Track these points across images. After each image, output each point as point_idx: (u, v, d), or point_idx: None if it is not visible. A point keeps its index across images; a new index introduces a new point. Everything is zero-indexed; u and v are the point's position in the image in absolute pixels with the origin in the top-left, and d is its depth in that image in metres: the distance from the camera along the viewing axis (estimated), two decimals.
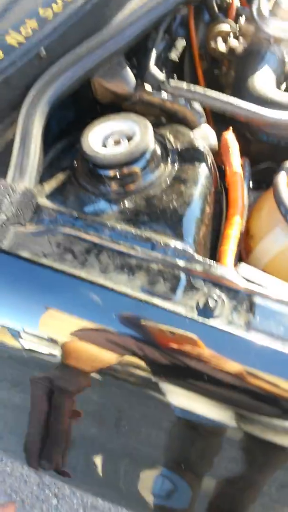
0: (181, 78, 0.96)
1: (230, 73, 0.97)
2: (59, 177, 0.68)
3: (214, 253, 0.67)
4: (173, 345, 0.51)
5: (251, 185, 0.78)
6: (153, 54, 0.74)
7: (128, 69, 0.71)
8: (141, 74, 0.73)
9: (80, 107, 0.75)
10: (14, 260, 0.54)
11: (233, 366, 0.51)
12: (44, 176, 0.67)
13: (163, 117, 0.76)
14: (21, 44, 0.64)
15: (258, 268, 0.69)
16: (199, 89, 0.69)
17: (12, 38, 0.64)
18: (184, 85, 0.69)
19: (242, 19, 0.90)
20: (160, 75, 0.71)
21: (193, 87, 0.69)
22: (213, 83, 1.01)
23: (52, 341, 0.55)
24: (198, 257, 0.57)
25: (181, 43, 0.88)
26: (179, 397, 0.54)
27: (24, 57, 0.64)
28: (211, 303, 0.52)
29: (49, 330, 0.55)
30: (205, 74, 1.00)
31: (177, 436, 0.65)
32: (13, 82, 0.64)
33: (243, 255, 0.72)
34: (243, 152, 0.74)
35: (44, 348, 0.56)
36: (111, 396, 0.63)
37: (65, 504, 1.54)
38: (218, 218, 0.70)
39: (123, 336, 0.53)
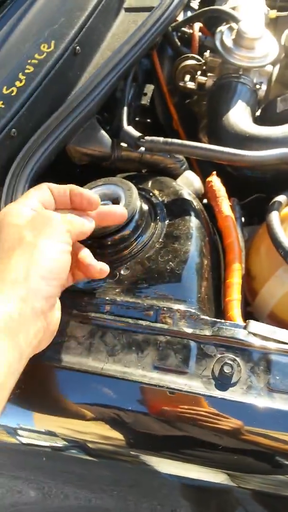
0: (154, 116, 0.97)
1: (201, 103, 0.96)
2: None
3: (218, 301, 0.66)
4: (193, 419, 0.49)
5: (243, 221, 0.77)
6: (125, 111, 0.73)
7: (101, 130, 0.70)
8: (116, 131, 0.72)
9: (59, 175, 0.73)
10: None
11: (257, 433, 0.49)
12: None
13: (143, 170, 0.75)
14: None
15: (266, 311, 0.68)
16: (176, 141, 0.68)
17: None
18: (160, 139, 0.68)
19: (207, 53, 0.89)
20: (135, 132, 0.70)
21: (169, 140, 0.68)
22: (187, 114, 1.01)
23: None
24: (204, 317, 0.55)
25: (149, 88, 0.87)
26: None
27: None
28: (226, 370, 0.50)
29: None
30: (177, 106, 1.00)
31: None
32: None
33: (249, 298, 0.70)
34: (231, 189, 0.73)
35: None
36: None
37: None
38: (217, 265, 0.69)
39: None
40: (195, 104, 1.00)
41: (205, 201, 0.76)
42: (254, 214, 0.80)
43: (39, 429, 0.55)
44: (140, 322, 0.54)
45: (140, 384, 0.50)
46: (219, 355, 0.52)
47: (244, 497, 0.58)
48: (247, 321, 0.54)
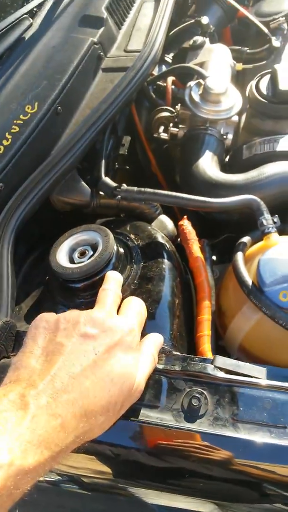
0: (134, 162, 1.04)
1: (177, 148, 1.04)
2: (34, 294, 0.72)
3: (190, 337, 0.71)
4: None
5: (214, 259, 0.83)
6: (103, 164, 0.80)
7: (81, 181, 0.77)
8: (95, 181, 0.79)
9: (42, 223, 0.80)
10: None
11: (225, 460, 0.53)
12: (19, 293, 0.70)
13: (122, 214, 0.82)
14: None
15: (236, 344, 0.73)
16: (148, 190, 0.74)
17: None
18: (134, 188, 0.75)
19: (178, 106, 0.97)
20: (111, 183, 0.77)
21: (142, 189, 0.74)
22: (165, 158, 1.08)
23: None
24: (176, 353, 0.60)
25: (127, 139, 0.94)
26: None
27: None
28: (194, 403, 0.55)
29: None
30: (155, 151, 1.07)
31: None
32: None
33: (220, 331, 0.75)
34: (202, 230, 0.80)
35: None
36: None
37: None
38: (189, 303, 0.75)
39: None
40: (171, 149, 1.07)
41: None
42: (225, 253, 0.86)
43: None
44: None
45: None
46: (188, 389, 0.57)
47: None
48: (214, 356, 0.60)
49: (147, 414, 0.55)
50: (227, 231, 0.86)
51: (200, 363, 0.59)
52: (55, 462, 0.42)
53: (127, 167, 0.96)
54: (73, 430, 0.43)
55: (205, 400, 0.56)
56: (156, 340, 0.59)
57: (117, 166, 0.95)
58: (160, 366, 0.58)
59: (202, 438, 0.53)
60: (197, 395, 0.56)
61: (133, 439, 0.56)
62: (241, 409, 0.55)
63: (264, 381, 0.57)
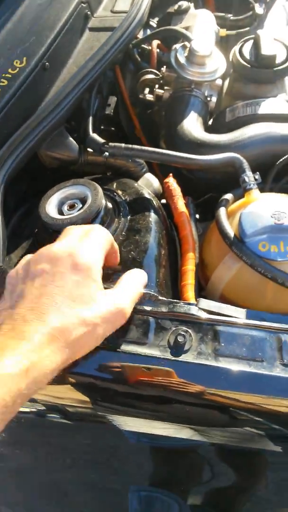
0: (118, 125, 1.05)
1: (161, 113, 1.06)
2: (23, 246, 0.74)
3: (175, 288, 0.75)
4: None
5: (198, 217, 0.87)
6: (90, 120, 0.81)
7: (69, 137, 0.78)
8: (82, 138, 0.80)
9: (31, 177, 0.81)
10: None
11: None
12: (8, 245, 0.72)
13: (108, 172, 0.84)
14: None
15: (217, 293, 0.77)
16: (136, 146, 0.77)
17: None
18: (122, 145, 0.77)
19: (164, 68, 0.99)
20: (100, 139, 0.79)
21: (130, 146, 0.77)
22: (148, 123, 1.10)
23: None
24: (162, 298, 0.64)
25: (112, 99, 0.96)
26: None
27: None
28: (180, 339, 0.59)
29: None
30: (139, 116, 1.09)
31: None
32: None
33: (203, 283, 0.80)
34: (186, 190, 0.83)
35: None
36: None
37: None
38: (174, 255, 0.78)
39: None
40: (155, 114, 1.09)
41: (163, 201, 0.86)
42: (208, 212, 0.90)
43: None
44: None
45: (104, 350, 0.58)
46: (174, 328, 0.61)
47: (209, 455, 0.67)
48: (198, 299, 0.64)
49: (135, 350, 0.59)
50: (210, 192, 0.90)
51: (185, 306, 0.62)
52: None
53: (113, 128, 0.98)
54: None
55: (189, 337, 0.60)
56: (139, 273, 0.63)
57: (102, 127, 0.97)
58: (148, 308, 0.62)
59: (186, 368, 0.57)
60: (182, 333, 0.60)
61: (117, 372, 0.59)
62: (223, 345, 0.59)
63: (244, 320, 0.61)
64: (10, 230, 0.77)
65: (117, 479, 0.78)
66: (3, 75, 0.74)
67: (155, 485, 0.73)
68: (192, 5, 1.18)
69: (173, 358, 0.57)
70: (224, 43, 1.17)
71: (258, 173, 0.76)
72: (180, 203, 0.78)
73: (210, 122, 0.98)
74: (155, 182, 0.83)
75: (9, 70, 0.74)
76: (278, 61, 0.96)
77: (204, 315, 0.61)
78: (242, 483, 0.68)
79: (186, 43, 0.97)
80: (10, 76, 0.73)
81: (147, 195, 0.77)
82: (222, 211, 0.74)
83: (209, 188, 0.88)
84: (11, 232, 0.76)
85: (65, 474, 0.80)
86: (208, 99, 0.95)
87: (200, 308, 0.62)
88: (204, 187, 0.88)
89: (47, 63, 0.78)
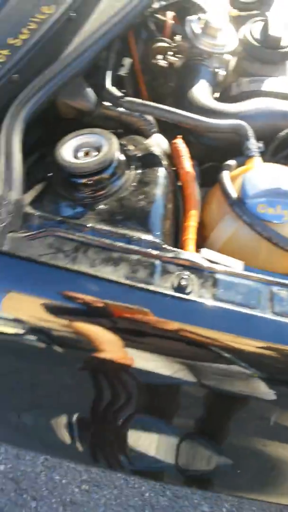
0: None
1: (168, 84, 1.10)
2: (38, 187, 0.77)
3: (176, 242, 0.79)
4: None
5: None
6: (108, 74, 0.84)
7: (88, 88, 0.81)
8: (99, 92, 0.83)
9: (46, 124, 0.84)
10: (15, 261, 0.63)
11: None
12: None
13: (119, 129, 0.88)
14: None
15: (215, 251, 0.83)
16: (151, 103, 0.81)
17: None
18: (138, 100, 0.81)
19: (178, 37, 1.02)
20: (117, 92, 0.82)
21: (145, 102, 0.80)
22: (153, 93, 1.13)
23: None
24: (166, 246, 0.69)
25: (127, 60, 0.99)
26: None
27: None
28: (182, 282, 0.64)
29: None
30: (146, 84, 1.12)
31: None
32: None
33: (199, 242, 0.85)
34: (191, 156, 0.88)
35: None
36: None
37: (44, 505, 1.59)
38: (177, 212, 0.83)
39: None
40: (161, 85, 1.13)
41: None
42: (209, 180, 0.95)
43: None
44: (116, 243, 0.67)
45: (113, 284, 0.62)
46: (178, 272, 0.66)
47: (195, 394, 0.72)
48: (201, 249, 0.69)
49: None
50: (212, 161, 0.95)
51: (189, 254, 0.68)
52: None
53: (124, 90, 1.00)
54: None
55: (191, 282, 0.65)
56: None
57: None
58: (155, 252, 0.67)
59: (187, 306, 0.63)
60: (185, 277, 0.65)
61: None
62: (221, 291, 0.65)
63: (241, 271, 0.67)
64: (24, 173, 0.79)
65: None
66: (32, 19, 0.75)
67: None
68: None
69: (177, 295, 0.62)
70: (234, 24, 1.21)
71: (262, 141, 0.82)
72: (187, 164, 0.83)
73: (217, 95, 1.03)
74: (163, 142, 0.87)
75: (38, 15, 0.76)
76: (284, 43, 1.01)
77: (206, 263, 0.67)
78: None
79: (201, 15, 1.00)
80: (39, 20, 0.75)
81: (156, 152, 0.81)
82: (225, 174, 0.79)
83: (212, 155, 0.93)
84: (25, 175, 0.79)
85: None
86: (217, 71, 0.99)
87: (202, 258, 0.68)
88: (207, 153, 0.93)
89: (72, 14, 0.80)
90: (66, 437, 0.85)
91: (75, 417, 0.83)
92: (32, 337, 0.68)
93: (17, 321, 0.66)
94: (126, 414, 0.77)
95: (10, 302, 0.65)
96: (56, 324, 0.65)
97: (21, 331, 0.67)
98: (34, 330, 0.67)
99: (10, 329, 0.67)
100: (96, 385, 0.76)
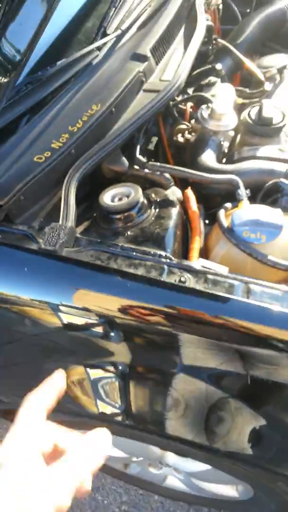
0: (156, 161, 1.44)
1: (187, 154, 1.44)
2: (85, 224, 1.10)
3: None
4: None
5: (206, 222, 1.21)
6: (138, 147, 1.20)
7: (123, 157, 1.17)
8: (131, 159, 1.19)
9: (93, 182, 1.19)
10: (69, 264, 0.94)
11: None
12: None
13: (146, 185, 1.21)
14: (60, 147, 1.09)
15: None
16: (168, 165, 1.14)
17: (55, 144, 1.09)
18: (158, 163, 1.14)
19: (193, 121, 1.39)
20: (143, 159, 1.17)
21: (163, 164, 1.14)
22: (178, 162, 1.48)
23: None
24: (174, 259, 0.97)
25: (154, 138, 1.35)
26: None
27: (62, 155, 1.09)
28: (182, 279, 0.92)
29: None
30: (173, 157, 1.48)
31: None
32: (56, 169, 1.08)
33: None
34: (198, 202, 1.18)
35: None
36: None
37: None
38: (185, 240, 1.12)
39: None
40: (183, 155, 1.48)
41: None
42: (213, 221, 1.24)
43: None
44: (138, 254, 0.96)
45: (134, 276, 0.91)
46: (179, 273, 0.93)
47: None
48: (198, 259, 0.97)
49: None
50: (215, 206, 1.25)
51: (189, 262, 0.96)
52: None
53: (152, 159, 1.36)
54: None
55: (189, 280, 0.92)
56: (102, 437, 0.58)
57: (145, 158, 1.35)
58: (164, 260, 0.95)
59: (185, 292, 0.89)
60: (184, 276, 0.92)
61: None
62: (210, 286, 0.91)
63: (225, 273, 0.93)
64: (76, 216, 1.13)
65: None
66: (85, 114, 1.14)
67: None
68: (219, 80, 1.60)
69: (178, 284, 0.90)
70: (240, 109, 1.56)
71: (249, 189, 1.11)
72: (194, 206, 1.14)
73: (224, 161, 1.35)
74: (178, 192, 1.19)
75: (89, 111, 1.14)
76: (275, 121, 1.34)
77: (199, 268, 0.94)
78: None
79: (209, 104, 1.37)
80: (89, 114, 1.13)
81: (171, 199, 1.13)
82: (221, 212, 1.09)
83: (214, 200, 1.23)
84: (77, 215, 1.13)
85: None
86: (222, 143, 1.33)
87: (198, 264, 0.95)
88: (210, 199, 1.23)
89: (113, 109, 1.18)
90: None
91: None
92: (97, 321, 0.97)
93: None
94: None
95: (79, 296, 0.95)
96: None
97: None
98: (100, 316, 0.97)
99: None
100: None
